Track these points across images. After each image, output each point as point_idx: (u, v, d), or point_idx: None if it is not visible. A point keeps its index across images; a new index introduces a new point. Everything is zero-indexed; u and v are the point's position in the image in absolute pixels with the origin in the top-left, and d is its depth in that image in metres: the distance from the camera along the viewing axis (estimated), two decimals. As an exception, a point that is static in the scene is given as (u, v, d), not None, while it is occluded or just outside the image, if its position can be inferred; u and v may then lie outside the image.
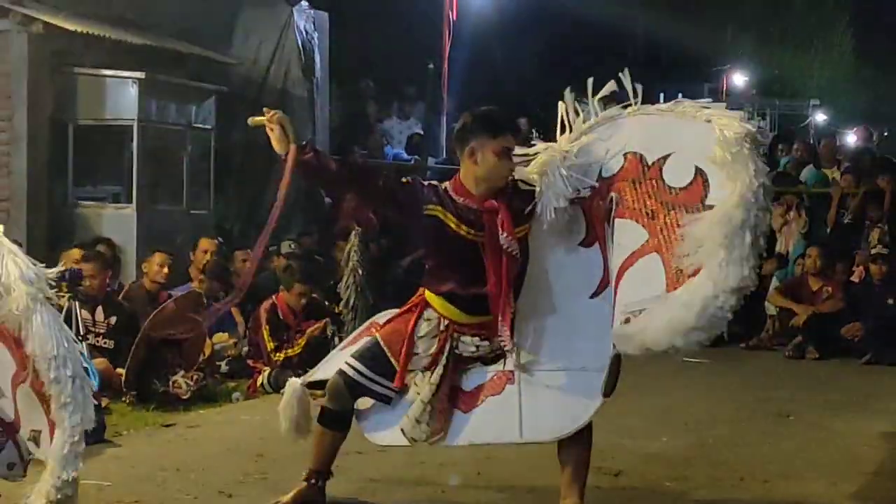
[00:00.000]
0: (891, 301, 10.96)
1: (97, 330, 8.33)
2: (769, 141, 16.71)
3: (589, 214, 4.99)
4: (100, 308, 8.40)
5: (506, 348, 5.02)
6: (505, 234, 4.90)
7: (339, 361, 5.36)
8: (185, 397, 7.84)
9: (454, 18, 17.97)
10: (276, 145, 5.02)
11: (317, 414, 5.28)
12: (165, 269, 9.11)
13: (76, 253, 9.43)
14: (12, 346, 4.40)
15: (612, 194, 4.90)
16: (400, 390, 5.11)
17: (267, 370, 8.60)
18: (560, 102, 5.14)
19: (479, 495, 5.73)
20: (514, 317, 5.01)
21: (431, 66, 17.29)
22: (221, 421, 7.58)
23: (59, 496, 4.28)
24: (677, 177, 4.76)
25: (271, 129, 4.99)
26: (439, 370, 5.06)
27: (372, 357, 5.11)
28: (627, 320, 4.74)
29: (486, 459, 6.22)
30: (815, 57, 34.77)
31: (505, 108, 5.57)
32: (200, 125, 12.03)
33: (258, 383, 8.56)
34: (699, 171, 4.71)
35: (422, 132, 16.61)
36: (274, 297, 8.93)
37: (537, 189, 4.97)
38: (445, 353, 5.07)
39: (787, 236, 12.33)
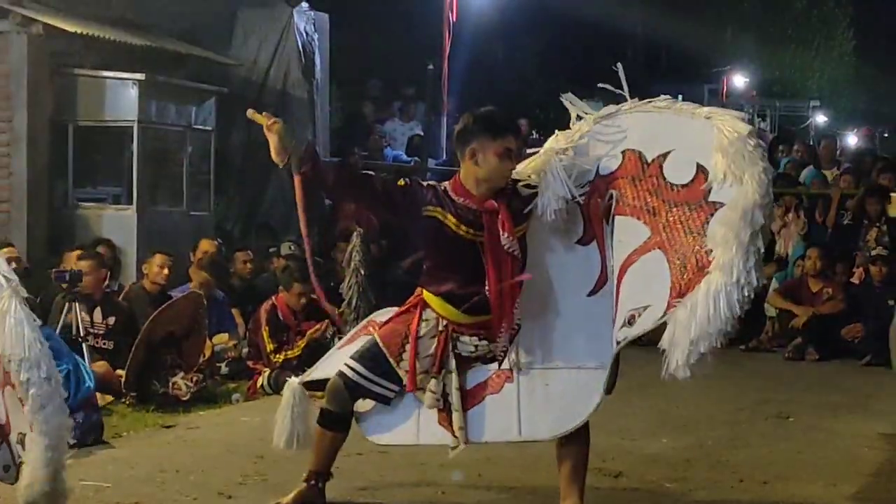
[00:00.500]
0: (891, 302, 10.95)
1: (96, 331, 8.33)
2: (769, 142, 16.80)
3: (586, 212, 4.99)
4: (98, 309, 8.40)
5: (499, 350, 5.01)
6: (506, 235, 4.89)
7: (337, 360, 5.35)
8: (184, 399, 7.84)
9: (454, 19, 17.96)
10: (275, 155, 5.00)
11: (317, 417, 5.27)
12: (166, 271, 9.11)
13: (77, 255, 9.44)
14: None
15: (612, 191, 4.91)
16: (399, 391, 5.11)
17: (267, 371, 8.60)
18: (568, 103, 5.14)
19: (480, 497, 5.72)
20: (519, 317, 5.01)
21: (431, 66, 17.28)
22: (221, 422, 7.58)
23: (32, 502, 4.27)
24: (678, 174, 4.78)
25: (269, 137, 4.98)
26: (454, 374, 5.05)
27: (371, 358, 5.09)
28: (631, 319, 4.77)
29: (487, 461, 6.22)
30: (815, 58, 34.79)
31: (505, 108, 5.58)
32: (200, 126, 12.03)
33: (258, 384, 8.56)
34: (700, 168, 4.72)
35: (422, 133, 16.61)
36: (274, 297, 8.93)
37: (539, 189, 4.97)
38: (451, 356, 5.06)
39: (786, 238, 12.33)
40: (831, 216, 12.43)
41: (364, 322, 5.62)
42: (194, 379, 7.95)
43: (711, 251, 4.59)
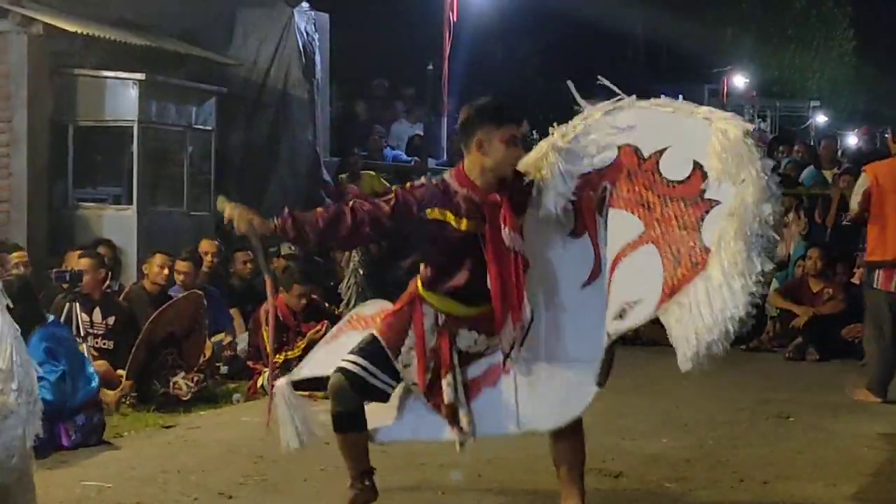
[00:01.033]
0: (891, 302, 10.94)
1: (96, 331, 8.32)
2: (769, 142, 16.80)
3: (579, 205, 4.99)
4: (97, 309, 8.39)
5: (506, 344, 4.98)
6: (507, 230, 4.89)
7: (324, 357, 5.35)
8: (185, 399, 7.85)
9: (454, 19, 17.97)
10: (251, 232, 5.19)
11: (327, 420, 5.20)
12: (166, 271, 9.11)
13: (77, 254, 9.44)
14: None
15: (606, 184, 4.92)
16: (395, 387, 5.09)
17: (267, 371, 8.59)
18: (573, 90, 5.15)
19: (480, 498, 5.73)
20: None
21: (431, 66, 17.29)
22: (222, 422, 7.58)
23: None
24: (675, 170, 4.78)
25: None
26: (457, 370, 5.04)
27: (372, 353, 5.04)
28: (623, 312, 4.77)
29: (487, 462, 6.23)
30: (815, 58, 34.79)
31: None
32: (200, 126, 12.03)
33: (258, 385, 8.55)
34: (697, 166, 4.72)
35: (422, 133, 16.62)
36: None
37: (539, 186, 4.97)
38: (454, 350, 5.05)
39: (786, 238, 12.32)
40: (831, 216, 12.42)
41: (347, 317, 5.59)
42: (195, 379, 7.96)
43: (707, 248, 4.59)
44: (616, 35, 28.97)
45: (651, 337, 11.56)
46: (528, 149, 5.11)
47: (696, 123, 4.81)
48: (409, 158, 15.98)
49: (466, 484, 5.86)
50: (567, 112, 5.19)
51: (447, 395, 4.98)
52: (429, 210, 4.95)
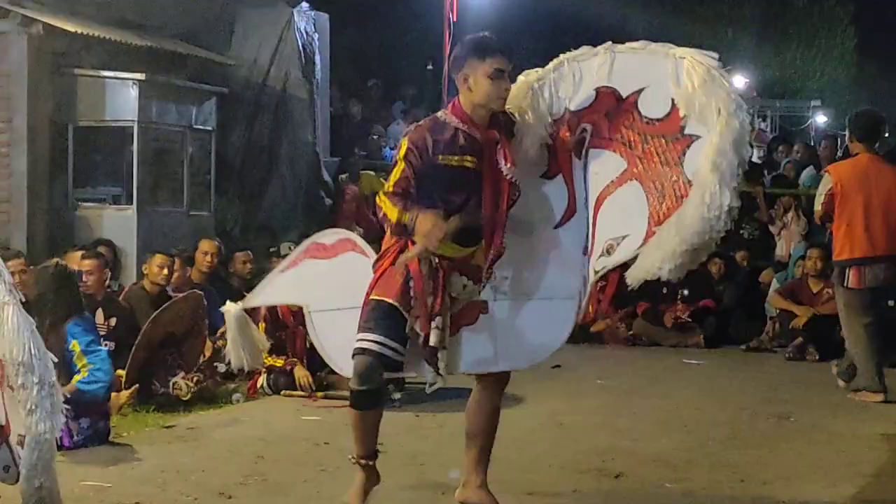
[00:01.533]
0: (890, 303, 10.93)
1: (98, 332, 8.30)
2: (769, 142, 16.78)
3: (554, 147, 5.08)
4: (100, 310, 8.38)
5: (485, 277, 5.07)
6: (508, 165, 4.97)
7: (283, 285, 5.45)
8: (185, 399, 7.84)
9: (454, 19, 17.95)
10: None
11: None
12: (165, 271, 9.10)
13: (78, 255, 9.43)
14: None
15: (586, 125, 5.02)
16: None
17: (266, 371, 8.58)
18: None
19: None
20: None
21: (431, 66, 17.30)
22: (222, 422, 7.58)
23: None
24: (654, 108, 4.92)
25: None
26: (447, 315, 5.04)
27: (387, 326, 4.93)
28: (610, 248, 4.92)
29: (487, 461, 6.23)
30: (815, 57, 34.75)
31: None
32: (200, 126, 12.03)
33: (258, 384, 8.55)
34: (675, 104, 4.88)
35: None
36: (274, 296, 8.91)
37: (517, 127, 5.07)
38: (445, 295, 5.03)
39: (786, 239, 12.33)
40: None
41: (305, 245, 5.52)
42: (195, 379, 7.95)
43: (690, 181, 4.76)
44: (616, 35, 28.88)
45: (651, 337, 11.60)
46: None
47: (671, 64, 4.94)
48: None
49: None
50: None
51: (434, 337, 4.97)
52: (441, 156, 4.95)
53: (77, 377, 6.62)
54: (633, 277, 4.86)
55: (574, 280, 5.05)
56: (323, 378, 8.47)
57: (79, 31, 10.92)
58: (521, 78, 5.16)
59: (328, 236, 5.47)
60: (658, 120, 4.91)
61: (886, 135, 34.78)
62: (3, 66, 10.79)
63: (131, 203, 11.27)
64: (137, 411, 7.67)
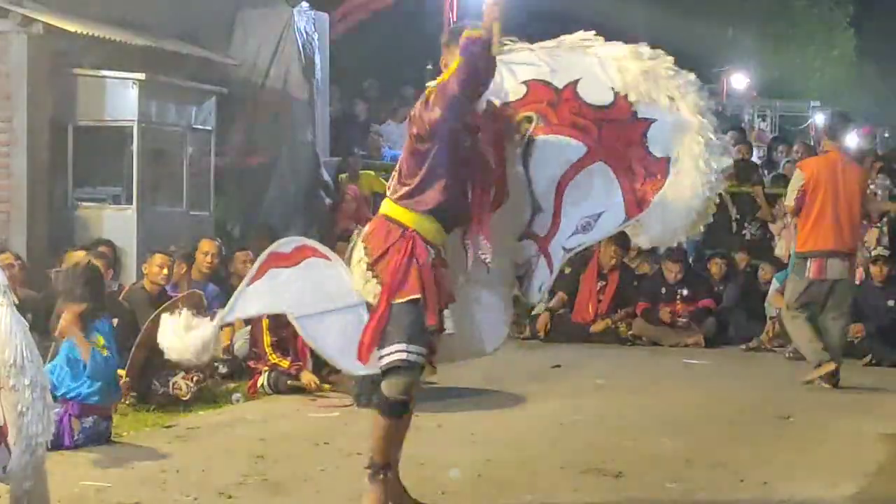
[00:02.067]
0: (891, 303, 10.95)
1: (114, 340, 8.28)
2: (769, 142, 16.78)
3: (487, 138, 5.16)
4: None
5: (486, 259, 5.11)
6: (492, 150, 5.10)
7: (255, 295, 5.27)
8: (185, 398, 7.84)
9: (454, 19, 17.96)
10: None
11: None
12: (165, 271, 9.09)
13: (81, 255, 9.43)
14: None
15: (532, 114, 5.22)
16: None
17: (267, 371, 8.59)
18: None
19: (480, 498, 5.72)
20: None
21: (431, 66, 17.27)
22: (221, 422, 7.58)
23: None
24: (596, 96, 5.16)
25: None
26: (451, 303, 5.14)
27: (415, 333, 4.94)
28: (587, 225, 5.20)
29: (486, 461, 6.24)
30: (815, 58, 34.75)
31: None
32: (200, 126, 12.02)
33: (258, 384, 8.55)
34: (617, 92, 5.16)
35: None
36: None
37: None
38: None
39: (786, 239, 12.31)
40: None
41: (263, 257, 5.36)
42: (194, 379, 7.95)
43: (660, 159, 5.14)
44: (616, 35, 28.89)
45: (651, 337, 11.60)
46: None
47: (593, 60, 5.21)
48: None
49: (466, 484, 5.86)
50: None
51: (449, 325, 5.06)
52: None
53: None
54: (650, 242, 5.43)
55: (510, 265, 5.26)
56: (324, 377, 8.49)
57: (79, 31, 10.91)
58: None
59: (284, 245, 5.36)
60: (606, 107, 5.17)
61: (887, 135, 34.83)
62: (3, 66, 10.77)
63: (131, 203, 11.25)
64: (137, 411, 7.67)
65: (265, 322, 8.65)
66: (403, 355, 4.94)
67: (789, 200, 9.47)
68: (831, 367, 9.05)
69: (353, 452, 6.37)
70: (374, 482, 5.13)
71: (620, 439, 7.03)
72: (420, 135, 5.01)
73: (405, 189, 5.07)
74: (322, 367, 8.63)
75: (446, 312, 5.08)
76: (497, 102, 5.18)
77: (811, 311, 9.34)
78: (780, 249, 12.41)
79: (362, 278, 5.07)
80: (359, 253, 5.13)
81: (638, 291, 11.77)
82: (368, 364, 5.06)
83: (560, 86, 5.22)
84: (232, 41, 13.38)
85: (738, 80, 32.70)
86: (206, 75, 12.48)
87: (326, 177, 13.81)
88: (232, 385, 8.70)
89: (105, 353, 6.76)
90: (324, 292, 5.20)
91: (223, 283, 10.35)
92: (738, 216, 12.99)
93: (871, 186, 12.59)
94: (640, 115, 5.16)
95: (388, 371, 4.97)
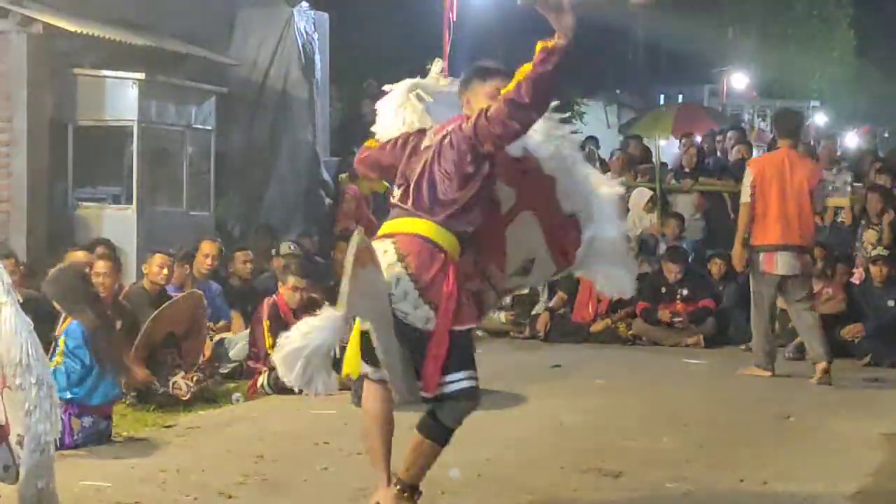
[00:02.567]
0: (891, 303, 10.95)
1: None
2: (768, 142, 16.78)
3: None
4: (108, 313, 8.35)
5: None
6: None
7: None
8: (185, 398, 7.84)
9: (454, 19, 17.96)
10: None
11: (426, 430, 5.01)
12: (165, 271, 9.09)
13: (81, 255, 9.42)
14: None
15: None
16: None
17: (267, 371, 8.59)
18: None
19: (480, 498, 5.72)
20: None
21: (430, 66, 17.27)
22: (222, 422, 7.58)
23: None
24: (510, 148, 5.12)
25: None
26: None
27: (472, 354, 5.00)
28: (526, 268, 5.31)
29: (486, 461, 6.24)
30: (815, 58, 34.78)
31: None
32: (200, 126, 12.03)
33: (258, 384, 8.55)
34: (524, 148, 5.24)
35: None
36: (275, 294, 8.93)
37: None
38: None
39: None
40: (828, 215, 12.52)
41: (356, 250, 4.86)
42: (194, 379, 7.95)
43: (569, 215, 5.30)
44: (616, 35, 28.96)
45: (651, 337, 11.60)
46: None
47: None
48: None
49: (466, 484, 5.86)
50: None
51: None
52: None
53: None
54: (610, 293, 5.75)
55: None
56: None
57: (79, 30, 10.91)
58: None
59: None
60: (519, 159, 5.21)
61: (886, 135, 34.79)
62: (2, 66, 10.78)
63: (131, 203, 11.27)
64: (137, 411, 7.67)
65: (266, 323, 8.66)
66: (473, 382, 4.92)
67: (743, 198, 9.72)
68: (767, 373, 9.56)
69: (353, 452, 6.37)
70: (399, 499, 5.07)
71: (620, 439, 7.03)
72: (481, 153, 4.91)
73: (446, 210, 4.94)
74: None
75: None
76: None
77: (773, 307, 9.75)
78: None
79: (412, 305, 4.87)
80: (397, 271, 4.87)
81: (638, 291, 11.76)
82: (431, 392, 4.93)
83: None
84: (232, 41, 13.39)
85: (738, 80, 32.74)
86: (206, 75, 12.48)
87: (326, 177, 13.81)
88: (232, 385, 8.70)
89: (61, 359, 6.69)
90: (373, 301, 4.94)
91: (223, 283, 10.36)
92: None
93: (835, 182, 12.81)
94: (546, 173, 5.25)
95: (450, 398, 4.90)
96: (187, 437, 7.06)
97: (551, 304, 11.78)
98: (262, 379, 8.56)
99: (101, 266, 8.44)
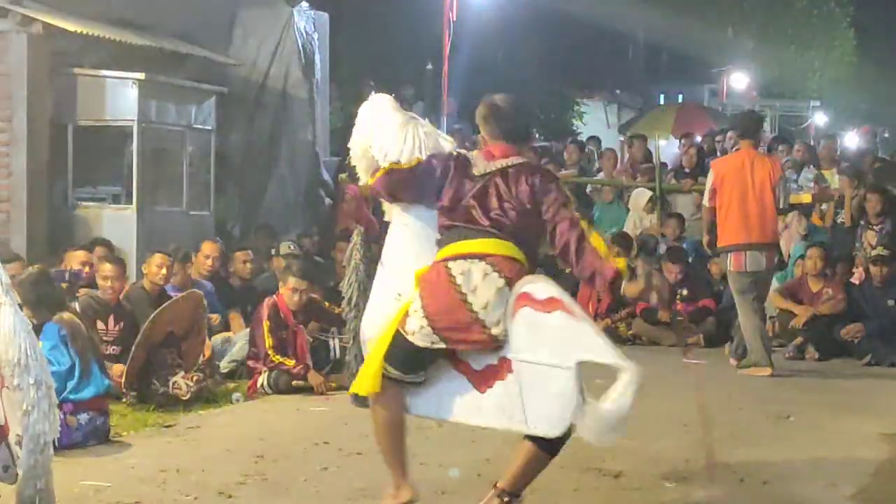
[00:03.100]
0: (891, 302, 10.96)
1: (108, 338, 8.28)
2: (768, 142, 16.79)
3: None
4: (112, 316, 8.36)
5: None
6: None
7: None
8: (185, 398, 7.84)
9: (454, 19, 17.97)
10: None
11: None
12: (165, 271, 9.09)
13: (81, 255, 9.43)
14: None
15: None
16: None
17: (266, 371, 8.59)
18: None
19: (480, 498, 5.70)
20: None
21: (431, 66, 17.29)
22: (221, 422, 7.58)
23: None
24: None
25: None
26: None
27: None
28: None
29: (487, 462, 6.23)
30: (815, 58, 34.78)
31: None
32: (200, 126, 12.03)
33: (258, 384, 8.55)
34: None
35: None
36: (276, 295, 8.93)
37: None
38: None
39: (786, 239, 12.32)
40: (828, 215, 12.53)
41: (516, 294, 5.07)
42: (194, 378, 7.95)
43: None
44: (616, 35, 28.95)
45: (651, 337, 11.60)
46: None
47: None
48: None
49: (466, 483, 5.86)
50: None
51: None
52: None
53: None
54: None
55: (571, 351, 5.15)
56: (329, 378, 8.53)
57: (78, 30, 10.92)
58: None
59: (539, 292, 5.05)
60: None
61: (886, 135, 34.75)
62: (2, 66, 10.78)
63: (131, 203, 11.27)
64: (137, 411, 7.67)
65: (266, 324, 8.65)
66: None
67: (704, 200, 9.99)
68: (767, 371, 9.58)
69: (353, 452, 6.37)
70: None
71: (620, 439, 7.00)
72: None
73: (521, 233, 5.13)
74: (321, 368, 8.65)
75: None
76: None
77: (759, 304, 9.82)
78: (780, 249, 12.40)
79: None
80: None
81: (638, 291, 11.75)
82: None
83: None
84: (232, 41, 13.39)
85: (738, 80, 32.72)
86: (206, 75, 12.48)
87: (326, 177, 13.81)
88: (232, 385, 8.70)
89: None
90: (553, 346, 5.03)
91: (223, 283, 10.36)
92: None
93: (799, 180, 12.90)
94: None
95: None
96: (187, 437, 7.06)
97: (552, 304, 11.76)
98: (262, 379, 8.56)
99: (107, 269, 8.44)
